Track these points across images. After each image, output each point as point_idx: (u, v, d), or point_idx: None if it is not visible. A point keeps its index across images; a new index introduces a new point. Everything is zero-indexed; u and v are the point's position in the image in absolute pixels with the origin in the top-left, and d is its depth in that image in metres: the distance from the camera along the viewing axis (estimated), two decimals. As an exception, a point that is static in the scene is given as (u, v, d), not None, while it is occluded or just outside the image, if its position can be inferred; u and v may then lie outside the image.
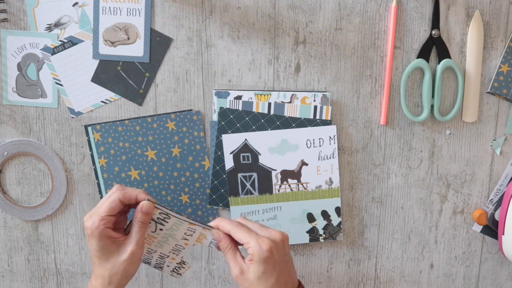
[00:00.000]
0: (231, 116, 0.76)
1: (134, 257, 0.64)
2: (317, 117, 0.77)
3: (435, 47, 0.76)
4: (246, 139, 0.77)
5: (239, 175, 0.78)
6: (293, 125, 0.77)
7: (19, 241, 0.81)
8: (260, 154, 0.77)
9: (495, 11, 0.75)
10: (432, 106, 0.76)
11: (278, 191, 0.78)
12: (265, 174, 0.78)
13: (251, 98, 0.76)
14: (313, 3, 0.74)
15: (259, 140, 0.77)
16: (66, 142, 0.78)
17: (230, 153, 0.77)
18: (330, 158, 0.78)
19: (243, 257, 0.64)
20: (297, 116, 0.76)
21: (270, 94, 0.76)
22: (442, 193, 0.81)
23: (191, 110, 0.77)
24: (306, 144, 0.77)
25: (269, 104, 0.76)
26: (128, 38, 0.74)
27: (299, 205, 0.79)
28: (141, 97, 0.76)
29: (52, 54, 0.75)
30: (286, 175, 0.78)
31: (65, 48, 0.75)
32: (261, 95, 0.76)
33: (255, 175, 0.78)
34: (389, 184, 0.80)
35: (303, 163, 0.78)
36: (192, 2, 0.74)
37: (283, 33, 0.75)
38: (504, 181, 0.80)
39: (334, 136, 0.77)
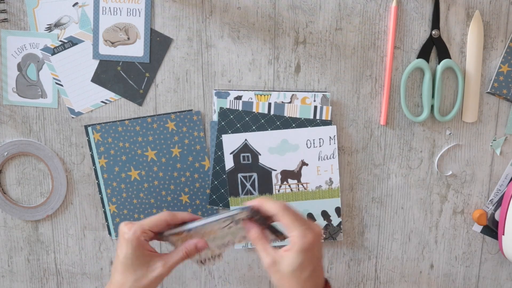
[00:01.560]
0: (231, 116, 0.76)
1: (160, 279, 0.63)
2: (317, 117, 0.77)
3: (435, 47, 0.76)
4: (246, 139, 0.77)
5: (239, 175, 0.78)
6: (293, 125, 0.77)
7: (19, 241, 0.81)
8: (260, 154, 0.77)
9: (495, 11, 0.75)
10: (432, 106, 0.76)
11: (278, 191, 0.78)
12: (265, 174, 0.78)
13: (251, 98, 0.76)
14: (313, 3, 0.74)
15: (259, 140, 0.77)
16: (66, 142, 0.78)
17: (230, 153, 0.77)
18: (330, 158, 0.78)
19: (274, 248, 0.61)
20: (297, 116, 0.76)
21: (270, 94, 0.76)
22: (442, 193, 0.81)
23: (191, 110, 0.77)
24: (306, 144, 0.77)
25: (269, 104, 0.76)
26: (128, 38, 0.74)
27: (299, 205, 0.78)
28: (141, 97, 0.76)
29: (52, 54, 0.75)
30: (286, 175, 0.78)
31: (65, 48, 0.75)
32: (261, 95, 0.76)
33: (255, 175, 0.78)
34: (389, 184, 0.80)
35: (303, 163, 0.77)
36: (192, 2, 0.74)
37: (283, 33, 0.75)
38: (504, 181, 0.80)
39: (334, 136, 0.77)
